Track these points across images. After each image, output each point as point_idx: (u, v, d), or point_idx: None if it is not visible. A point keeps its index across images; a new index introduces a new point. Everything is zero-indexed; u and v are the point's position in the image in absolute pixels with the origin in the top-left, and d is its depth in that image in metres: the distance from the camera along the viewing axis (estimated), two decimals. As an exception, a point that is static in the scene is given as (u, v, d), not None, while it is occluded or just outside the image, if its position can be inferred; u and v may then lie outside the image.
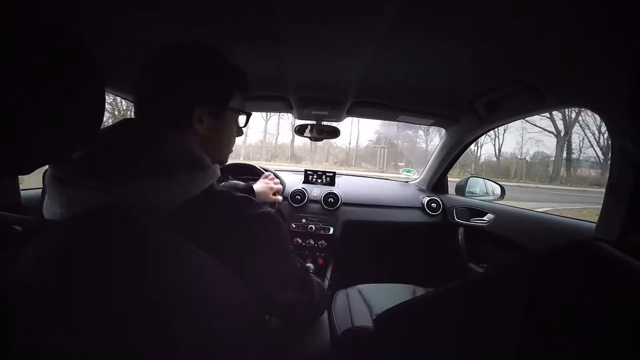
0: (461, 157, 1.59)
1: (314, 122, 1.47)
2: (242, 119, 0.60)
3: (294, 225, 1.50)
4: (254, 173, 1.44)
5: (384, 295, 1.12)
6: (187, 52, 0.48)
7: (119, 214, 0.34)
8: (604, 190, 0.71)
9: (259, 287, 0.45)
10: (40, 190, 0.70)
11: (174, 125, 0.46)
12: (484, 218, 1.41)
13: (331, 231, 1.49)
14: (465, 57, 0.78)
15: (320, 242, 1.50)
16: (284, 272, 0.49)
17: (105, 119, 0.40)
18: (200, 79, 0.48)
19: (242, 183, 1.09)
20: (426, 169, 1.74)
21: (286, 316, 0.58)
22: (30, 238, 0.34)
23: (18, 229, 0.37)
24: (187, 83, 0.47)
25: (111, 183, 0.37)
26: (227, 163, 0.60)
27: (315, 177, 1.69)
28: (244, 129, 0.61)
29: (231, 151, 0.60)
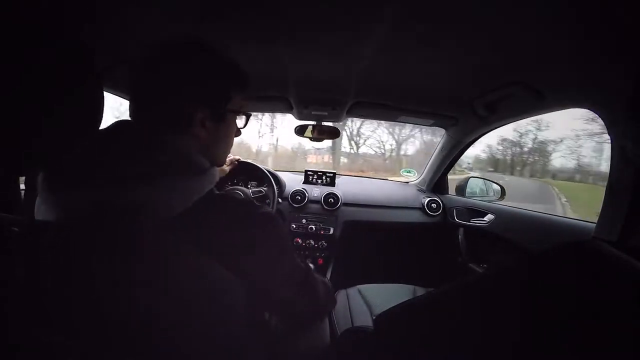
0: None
1: (314, 123, 1.48)
2: (241, 120, 0.58)
3: (294, 226, 1.50)
4: (256, 174, 1.43)
5: (384, 295, 1.12)
6: (188, 51, 0.47)
7: (119, 216, 0.34)
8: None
9: (259, 285, 0.45)
10: (23, 192, 0.70)
11: (173, 129, 0.45)
12: (484, 218, 1.41)
13: (331, 231, 1.49)
14: (465, 57, 0.78)
15: (320, 243, 1.50)
16: (285, 270, 0.49)
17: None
18: (203, 81, 0.46)
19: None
20: (426, 169, 1.74)
21: (288, 315, 0.58)
22: (29, 239, 0.34)
23: (16, 230, 0.37)
24: (189, 85, 0.46)
25: (107, 188, 0.36)
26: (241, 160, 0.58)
27: (315, 177, 1.69)
28: (242, 130, 0.59)
29: (229, 153, 0.58)
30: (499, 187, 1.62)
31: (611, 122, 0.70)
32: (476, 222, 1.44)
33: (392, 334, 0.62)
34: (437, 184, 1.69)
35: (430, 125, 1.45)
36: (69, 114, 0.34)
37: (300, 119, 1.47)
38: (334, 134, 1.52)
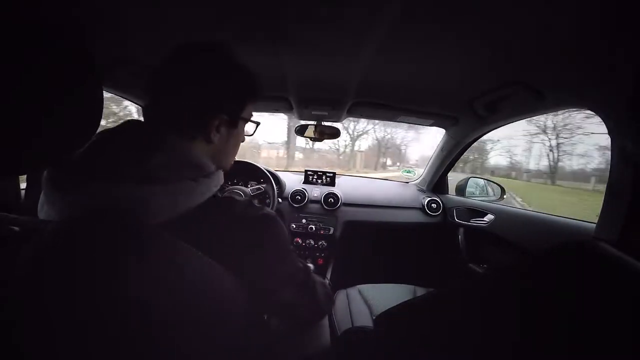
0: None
1: (314, 123, 1.48)
2: (249, 127, 0.59)
3: (294, 226, 1.50)
4: (256, 174, 1.44)
5: (384, 296, 1.12)
6: (210, 56, 0.47)
7: (119, 217, 0.34)
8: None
9: (260, 286, 0.45)
10: (24, 190, 0.70)
11: (188, 132, 0.45)
12: (484, 218, 1.41)
13: (331, 231, 1.49)
14: (465, 57, 0.78)
15: (320, 243, 1.50)
16: (286, 271, 0.49)
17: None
18: (225, 87, 0.47)
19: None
20: (426, 169, 1.74)
21: (287, 316, 0.58)
22: (28, 239, 0.34)
23: (16, 229, 0.37)
24: (212, 90, 0.46)
25: (111, 187, 0.36)
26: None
27: (315, 177, 1.69)
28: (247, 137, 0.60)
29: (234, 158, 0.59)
30: (499, 187, 1.62)
31: (611, 122, 0.70)
32: (476, 222, 1.44)
33: (392, 334, 0.62)
34: (437, 184, 1.70)
35: (430, 125, 1.46)
36: (69, 114, 0.34)
37: (301, 118, 1.47)
38: (335, 133, 1.52)
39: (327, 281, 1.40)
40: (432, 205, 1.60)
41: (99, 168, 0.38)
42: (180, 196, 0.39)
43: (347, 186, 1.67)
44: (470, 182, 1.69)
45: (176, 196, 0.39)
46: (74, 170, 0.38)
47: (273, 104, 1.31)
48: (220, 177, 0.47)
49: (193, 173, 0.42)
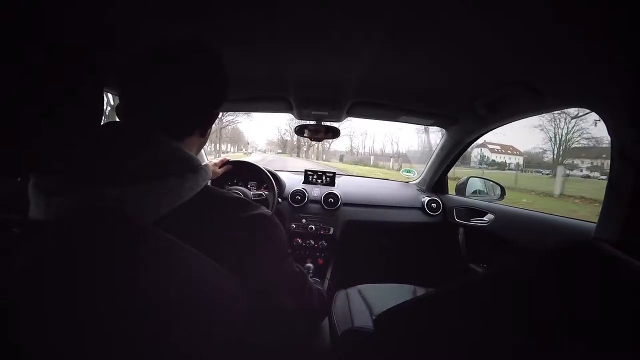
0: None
1: (314, 122, 1.48)
2: None
3: (294, 226, 1.50)
4: (256, 175, 1.43)
5: (384, 295, 1.12)
6: (208, 54, 0.47)
7: (118, 215, 0.34)
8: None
9: (253, 287, 0.44)
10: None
11: (184, 129, 0.46)
12: (484, 218, 1.41)
13: (331, 231, 1.49)
14: (466, 58, 0.78)
15: (320, 243, 1.50)
16: (280, 275, 0.49)
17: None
18: (223, 84, 0.49)
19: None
20: (426, 169, 1.74)
21: (279, 321, 0.57)
22: (28, 239, 0.34)
23: (16, 230, 0.37)
24: (215, 88, 0.48)
25: (99, 189, 0.36)
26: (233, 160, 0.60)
27: (315, 177, 1.69)
28: None
29: None
30: (499, 187, 1.62)
31: (611, 122, 0.70)
32: (476, 221, 1.44)
33: (392, 334, 0.62)
34: (437, 183, 1.69)
35: (430, 125, 1.46)
36: (69, 114, 0.34)
37: (301, 118, 1.47)
38: (334, 133, 1.52)
39: (326, 281, 1.40)
40: (432, 205, 1.60)
41: (84, 172, 0.38)
42: (167, 193, 0.39)
43: (347, 186, 1.67)
44: (470, 181, 1.69)
45: (163, 193, 0.38)
46: (59, 176, 0.37)
47: (273, 105, 1.31)
48: (208, 172, 0.46)
49: (179, 168, 0.42)
